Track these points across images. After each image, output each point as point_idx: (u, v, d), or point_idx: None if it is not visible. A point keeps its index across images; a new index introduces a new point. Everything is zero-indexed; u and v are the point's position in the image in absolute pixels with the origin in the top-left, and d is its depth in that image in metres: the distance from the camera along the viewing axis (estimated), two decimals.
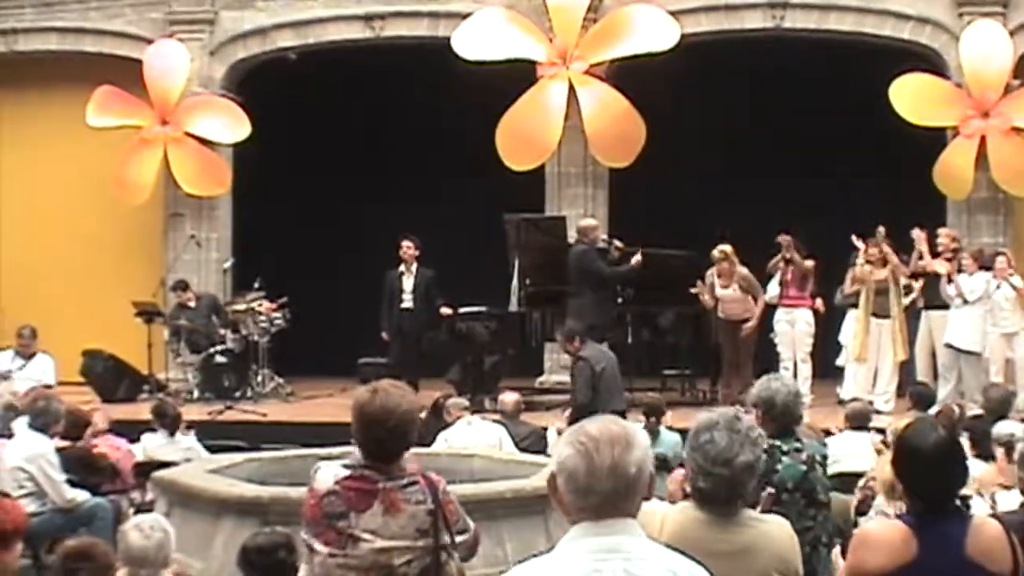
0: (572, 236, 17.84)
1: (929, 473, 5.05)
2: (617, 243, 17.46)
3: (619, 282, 17.26)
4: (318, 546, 5.56)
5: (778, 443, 6.49)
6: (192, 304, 19.24)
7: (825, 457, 7.23)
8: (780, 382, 6.67)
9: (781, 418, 6.65)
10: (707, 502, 4.89)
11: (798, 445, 6.63)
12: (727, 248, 17.24)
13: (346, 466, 5.62)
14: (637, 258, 17.05)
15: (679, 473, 11.08)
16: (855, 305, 17.39)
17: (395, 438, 5.57)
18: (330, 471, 5.62)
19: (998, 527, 5.05)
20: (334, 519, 5.51)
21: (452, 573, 5.58)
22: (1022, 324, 16.77)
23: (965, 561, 4.92)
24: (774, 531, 4.97)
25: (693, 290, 17.50)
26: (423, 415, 14.39)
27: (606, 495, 3.72)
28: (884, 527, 5.16)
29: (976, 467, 10.21)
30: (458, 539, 5.64)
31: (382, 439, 5.56)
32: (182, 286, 19.38)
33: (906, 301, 17.23)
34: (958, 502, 5.21)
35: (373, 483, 5.53)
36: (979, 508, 7.55)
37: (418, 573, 5.52)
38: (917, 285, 17.31)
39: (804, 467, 6.54)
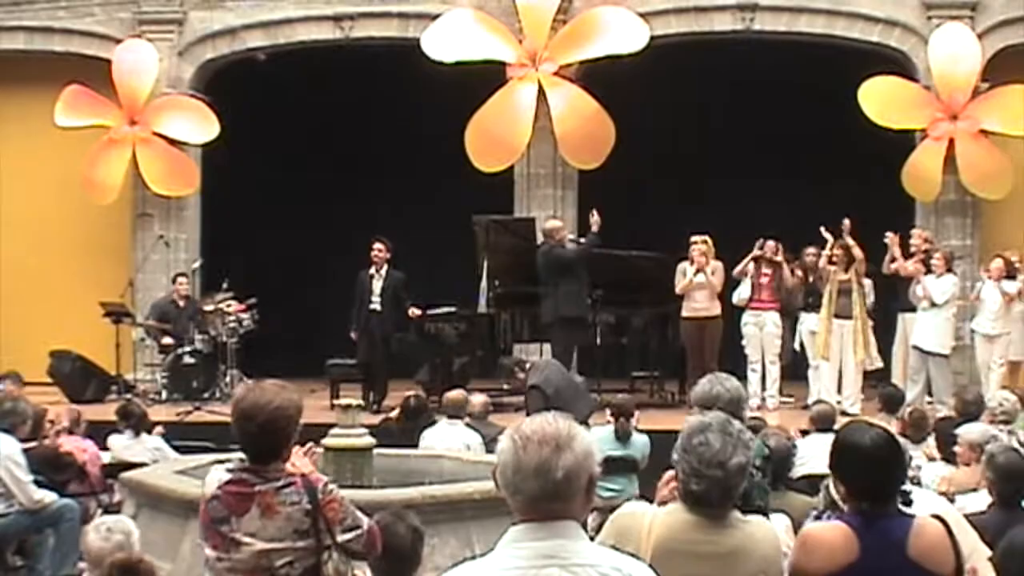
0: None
1: (867, 472, 5.02)
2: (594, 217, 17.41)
3: (587, 256, 17.12)
4: (207, 550, 5.65)
5: None
6: (181, 304, 19.19)
7: (767, 459, 7.18)
8: (723, 386, 6.55)
9: None
10: (698, 504, 4.87)
11: None
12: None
13: (229, 470, 5.67)
14: (595, 218, 17.10)
15: (669, 474, 11.05)
16: (803, 308, 17.53)
17: (266, 435, 5.60)
18: (216, 476, 5.72)
19: (940, 528, 5.00)
20: (217, 523, 5.59)
21: (329, 573, 5.58)
22: (1005, 328, 16.84)
23: (907, 562, 4.89)
24: (759, 533, 4.96)
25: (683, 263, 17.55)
26: (394, 417, 14.43)
27: (532, 495, 3.66)
28: (825, 528, 5.11)
29: (943, 469, 10.28)
30: (344, 537, 5.62)
31: (253, 434, 5.61)
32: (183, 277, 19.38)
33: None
34: (899, 499, 5.15)
35: (250, 486, 5.58)
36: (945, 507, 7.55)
37: (300, 573, 5.56)
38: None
39: None
